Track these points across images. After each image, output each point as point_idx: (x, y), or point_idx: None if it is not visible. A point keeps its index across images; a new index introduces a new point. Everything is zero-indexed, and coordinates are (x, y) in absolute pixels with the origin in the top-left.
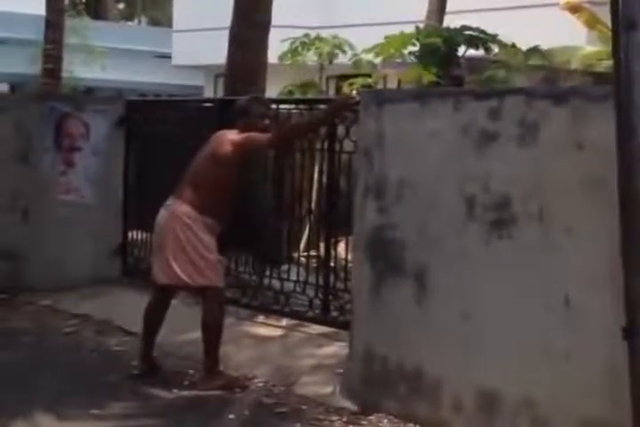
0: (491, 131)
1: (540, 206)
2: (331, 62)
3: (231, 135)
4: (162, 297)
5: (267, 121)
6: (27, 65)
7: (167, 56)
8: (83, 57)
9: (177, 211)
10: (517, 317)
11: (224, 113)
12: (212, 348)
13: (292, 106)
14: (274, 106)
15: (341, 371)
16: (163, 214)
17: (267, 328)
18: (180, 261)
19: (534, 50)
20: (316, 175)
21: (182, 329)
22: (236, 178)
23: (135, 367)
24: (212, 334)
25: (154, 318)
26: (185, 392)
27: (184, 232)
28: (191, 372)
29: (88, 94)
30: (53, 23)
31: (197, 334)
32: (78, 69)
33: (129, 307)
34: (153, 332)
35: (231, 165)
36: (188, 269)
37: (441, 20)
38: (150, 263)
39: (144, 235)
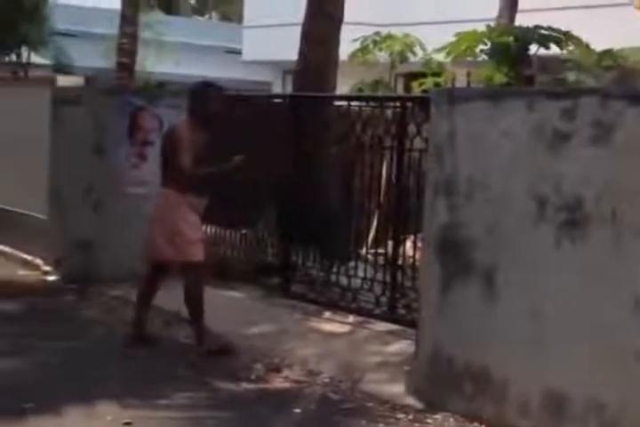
0: (564, 131)
1: (613, 208)
2: (402, 62)
3: (183, 132)
4: (155, 274)
5: (219, 105)
6: (100, 59)
7: (237, 52)
8: (155, 51)
9: (160, 196)
10: (587, 318)
11: (294, 109)
12: (198, 318)
13: (363, 103)
14: (344, 102)
15: (408, 369)
16: (154, 202)
17: (333, 324)
18: (167, 239)
19: (607, 53)
20: (384, 173)
21: (249, 322)
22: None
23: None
24: (196, 306)
25: (147, 292)
26: (252, 386)
27: (166, 213)
28: (258, 366)
29: (160, 88)
30: (129, 18)
31: (264, 328)
32: (150, 63)
33: None
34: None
35: (182, 150)
36: (173, 246)
37: (512, 18)
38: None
39: (213, 227)
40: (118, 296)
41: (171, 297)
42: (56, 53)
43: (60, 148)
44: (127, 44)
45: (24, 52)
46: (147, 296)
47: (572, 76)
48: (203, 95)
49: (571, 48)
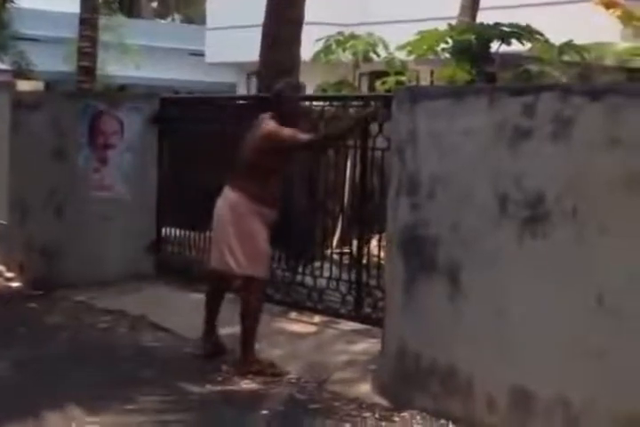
0: (525, 127)
1: (575, 204)
2: (365, 61)
3: (270, 125)
4: (216, 286)
5: (300, 107)
6: (61, 63)
7: (200, 54)
8: (117, 54)
9: (230, 200)
10: (551, 315)
11: (259, 110)
12: (250, 336)
13: (326, 103)
14: (307, 103)
15: (374, 367)
16: (219, 204)
17: (299, 325)
18: (230, 249)
19: (568, 45)
20: (348, 172)
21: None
22: (279, 166)
23: (197, 349)
24: (252, 323)
25: (210, 307)
26: (218, 387)
27: (235, 221)
28: (224, 368)
29: (121, 91)
30: (88, 21)
31: (230, 329)
32: (112, 67)
33: (163, 303)
34: (211, 319)
35: (271, 153)
36: (237, 258)
37: (474, 16)
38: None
39: (178, 231)
40: (82, 302)
41: (135, 300)
42: (17, 58)
43: (21, 152)
44: (88, 48)
45: None
46: (210, 314)
47: (535, 68)
48: (283, 96)
49: (531, 44)
